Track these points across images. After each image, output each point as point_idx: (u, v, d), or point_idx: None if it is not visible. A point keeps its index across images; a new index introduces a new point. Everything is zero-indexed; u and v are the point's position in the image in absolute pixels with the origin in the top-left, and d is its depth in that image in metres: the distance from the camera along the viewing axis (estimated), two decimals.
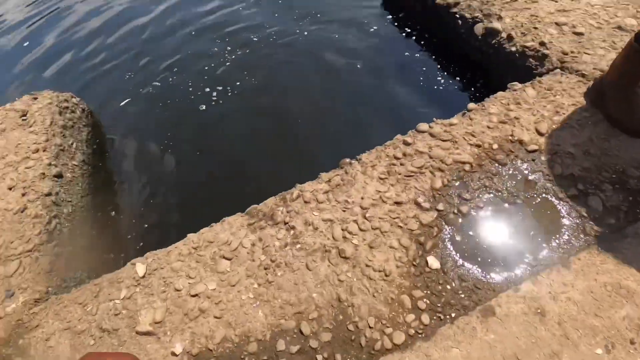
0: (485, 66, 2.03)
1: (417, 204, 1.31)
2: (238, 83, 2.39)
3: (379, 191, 1.38)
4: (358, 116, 2.03)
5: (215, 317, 1.17)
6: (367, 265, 1.20)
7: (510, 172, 1.35)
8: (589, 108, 1.44)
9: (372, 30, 2.60)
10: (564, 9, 1.87)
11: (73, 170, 1.93)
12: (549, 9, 1.89)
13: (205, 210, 1.77)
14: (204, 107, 2.29)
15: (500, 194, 1.30)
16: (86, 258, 1.67)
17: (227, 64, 2.59)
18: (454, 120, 1.55)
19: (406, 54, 2.33)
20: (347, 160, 1.52)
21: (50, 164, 1.80)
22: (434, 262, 1.18)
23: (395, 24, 2.63)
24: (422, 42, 2.40)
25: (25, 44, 3.27)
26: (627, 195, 1.21)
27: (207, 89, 2.39)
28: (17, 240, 1.50)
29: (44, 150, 1.85)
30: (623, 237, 1.12)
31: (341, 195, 1.40)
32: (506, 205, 1.27)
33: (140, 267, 1.34)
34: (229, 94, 2.34)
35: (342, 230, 1.29)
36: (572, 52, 1.68)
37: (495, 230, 1.22)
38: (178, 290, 1.25)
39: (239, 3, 3.20)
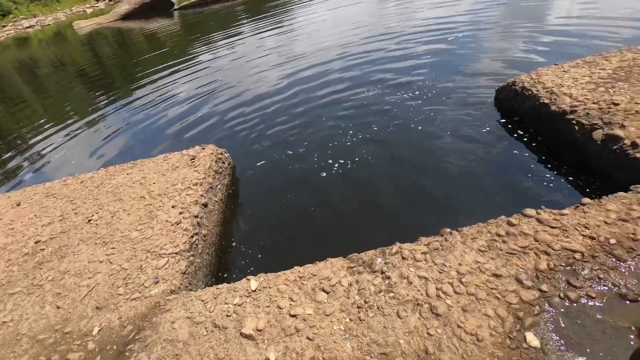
0: (605, 170, 1.99)
1: (518, 280, 1.31)
2: (357, 159, 2.77)
3: (478, 261, 1.42)
4: (462, 199, 2.13)
5: (308, 338, 1.30)
6: (458, 326, 1.22)
7: (632, 269, 1.27)
8: None
9: (484, 130, 2.80)
10: None
11: (214, 204, 2.42)
12: None
13: (310, 253, 1.99)
14: (324, 174, 2.69)
15: (618, 288, 1.22)
16: (208, 271, 2.01)
17: (348, 144, 3.04)
18: (565, 211, 1.56)
19: (515, 152, 2.43)
20: (448, 230, 1.62)
21: (202, 195, 2.32)
22: (533, 340, 1.13)
23: (509, 126, 2.79)
24: (534, 144, 2.48)
25: (192, 113, 4.38)
26: None
27: (330, 161, 2.82)
28: (170, 244, 1.93)
29: (200, 185, 2.41)
30: None
31: (439, 258, 1.48)
32: (626, 302, 1.18)
33: (253, 282, 1.58)
34: (349, 166, 2.72)
35: (437, 289, 1.35)
36: None
37: (610, 324, 1.13)
38: (280, 308, 1.43)
39: (364, 87, 3.82)
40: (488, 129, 2.80)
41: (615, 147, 1.92)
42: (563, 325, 1.16)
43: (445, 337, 1.20)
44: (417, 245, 1.57)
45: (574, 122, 2.20)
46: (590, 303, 1.20)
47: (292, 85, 4.57)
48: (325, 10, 9.12)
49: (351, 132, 3.21)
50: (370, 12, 8.16)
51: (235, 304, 1.50)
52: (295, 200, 2.51)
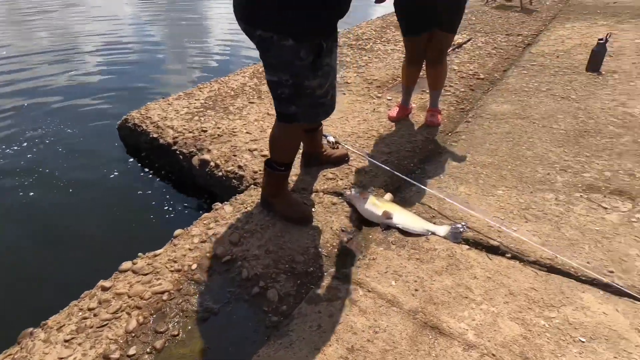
0: (209, 190, 2.28)
1: (106, 358, 1.18)
2: None
3: (61, 358, 1.19)
4: (72, 268, 1.84)
5: None
6: None
7: (207, 287, 1.43)
8: (267, 212, 1.75)
9: (112, 175, 2.59)
10: (255, 139, 2.38)
11: None
12: (245, 140, 2.37)
13: None
14: None
15: (198, 313, 1.33)
16: None
17: None
18: (160, 250, 1.60)
19: (139, 192, 2.39)
20: (29, 330, 1.29)
21: None
22: None
23: (138, 164, 2.73)
24: (158, 178, 2.54)
25: None
26: (295, 280, 1.45)
27: None
28: None
29: None
30: (291, 319, 1.29)
31: None
32: (204, 323, 1.30)
33: None
34: None
35: None
36: (260, 170, 2.09)
37: (193, 349, 1.21)
38: None
39: None
40: (116, 173, 2.62)
41: (207, 169, 2.22)
42: None
43: None
44: None
45: (178, 152, 2.39)
46: (177, 340, 1.24)
47: None
48: None
49: None
50: None
51: None
52: None
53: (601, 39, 3.15)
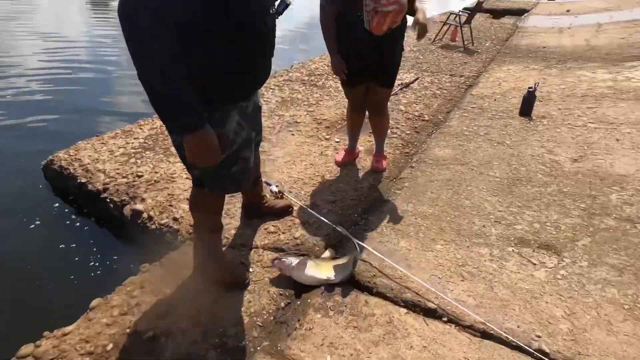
0: (144, 243, 2.10)
1: None
2: None
3: None
4: None
5: None
6: None
7: None
8: (200, 275, 1.63)
9: (33, 225, 2.30)
10: None
11: None
12: (184, 187, 2.24)
13: None
14: None
15: None
16: None
17: None
18: (70, 327, 1.41)
19: (61, 246, 2.14)
20: None
21: None
22: None
23: (65, 210, 2.47)
24: (87, 227, 2.32)
25: None
26: (225, 358, 1.33)
27: None
28: None
29: None
30: None
31: None
32: None
33: None
34: None
35: None
36: None
37: None
38: None
39: None
40: (37, 221, 2.34)
41: (139, 220, 2.05)
42: None
43: None
44: None
45: (108, 200, 2.20)
46: None
47: None
48: None
49: None
50: None
51: None
52: None
53: (531, 88, 3.43)
